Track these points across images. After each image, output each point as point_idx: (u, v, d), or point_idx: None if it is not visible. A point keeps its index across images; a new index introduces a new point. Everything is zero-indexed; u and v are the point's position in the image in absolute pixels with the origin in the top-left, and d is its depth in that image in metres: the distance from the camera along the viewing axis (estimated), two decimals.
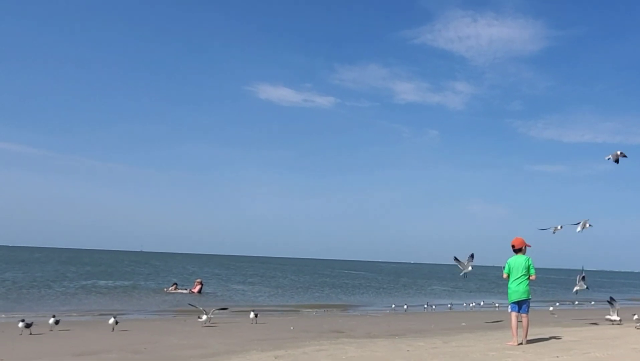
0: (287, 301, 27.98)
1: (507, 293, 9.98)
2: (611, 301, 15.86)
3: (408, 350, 9.44)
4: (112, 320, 13.65)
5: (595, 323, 15.72)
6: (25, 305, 21.66)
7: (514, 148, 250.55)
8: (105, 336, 12.71)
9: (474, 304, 26.82)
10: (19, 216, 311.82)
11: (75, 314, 18.91)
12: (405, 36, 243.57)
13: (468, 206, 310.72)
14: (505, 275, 9.93)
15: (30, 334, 12.49)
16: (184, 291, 29.99)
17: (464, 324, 16.87)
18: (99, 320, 15.25)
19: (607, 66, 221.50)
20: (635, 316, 14.88)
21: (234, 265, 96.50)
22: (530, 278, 9.69)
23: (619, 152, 13.54)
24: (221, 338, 12.41)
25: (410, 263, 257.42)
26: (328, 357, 8.76)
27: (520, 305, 9.69)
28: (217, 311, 16.71)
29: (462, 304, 27.03)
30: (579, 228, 14.52)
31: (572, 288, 16.90)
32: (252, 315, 16.27)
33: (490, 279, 69.31)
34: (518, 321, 9.71)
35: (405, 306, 23.88)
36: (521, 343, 9.53)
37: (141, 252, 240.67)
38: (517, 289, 9.70)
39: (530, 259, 9.75)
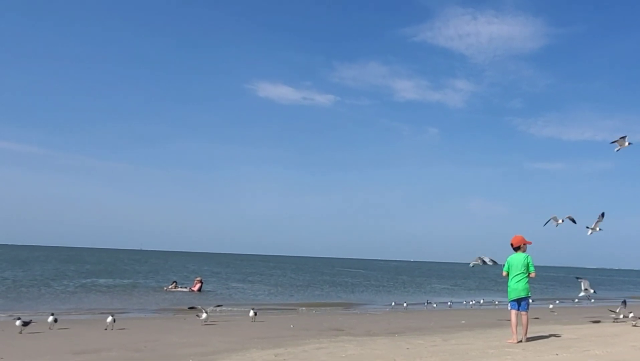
0: (287, 300, 28.00)
1: (506, 291, 9.99)
2: (625, 303, 15.93)
3: (408, 348, 9.44)
4: (109, 319, 13.66)
5: (597, 321, 15.71)
6: (25, 303, 21.66)
7: (514, 146, 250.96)
8: (105, 335, 12.72)
9: (473, 302, 26.85)
10: (19, 215, 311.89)
11: (75, 312, 18.93)
12: (405, 34, 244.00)
13: (468, 204, 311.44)
14: (504, 273, 9.94)
15: (21, 333, 12.48)
16: (184, 290, 30.00)
17: (463, 322, 16.89)
18: (99, 318, 15.26)
19: (607, 63, 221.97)
20: (632, 314, 14.90)
21: (233, 263, 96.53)
22: (530, 275, 9.70)
23: (626, 142, 13.32)
24: (221, 336, 12.42)
25: (410, 261, 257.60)
26: (328, 355, 8.77)
27: (520, 303, 9.70)
28: (214, 308, 16.74)
29: (462, 302, 27.06)
30: (589, 232, 14.40)
31: (572, 287, 16.89)
32: (251, 313, 16.28)
33: (490, 277, 69.37)
34: (517, 319, 9.72)
35: (404, 304, 23.90)
36: (521, 341, 9.53)
37: (141, 250, 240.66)
38: (516, 287, 9.71)
39: (529, 257, 9.76)
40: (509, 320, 10.02)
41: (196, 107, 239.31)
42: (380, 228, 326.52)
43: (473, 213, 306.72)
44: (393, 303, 24.72)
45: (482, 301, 27.39)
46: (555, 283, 60.55)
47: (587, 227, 14.52)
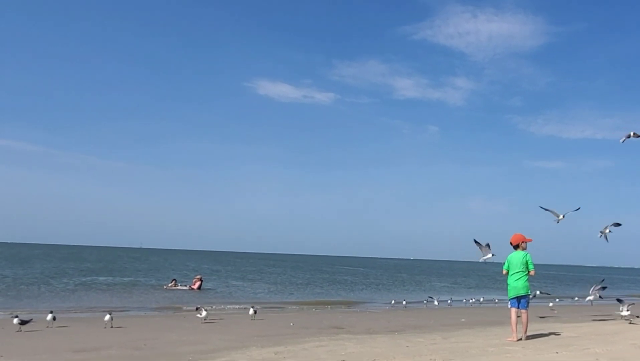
0: (287, 298, 28.01)
1: (506, 289, 9.99)
2: (620, 300, 15.95)
3: (407, 346, 9.45)
4: (107, 317, 13.68)
5: (603, 319, 15.69)
6: (25, 301, 21.67)
7: (514, 144, 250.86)
8: (105, 333, 12.73)
9: (473, 300, 26.86)
10: (19, 213, 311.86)
11: (74, 311, 18.93)
12: (404, 32, 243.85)
13: (468, 202, 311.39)
14: (504, 271, 9.94)
15: (20, 331, 12.47)
16: (184, 288, 30.02)
17: (463, 320, 16.90)
18: (98, 316, 15.25)
19: (607, 61, 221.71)
20: (628, 312, 14.93)
21: (233, 261, 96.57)
22: (530, 273, 9.70)
23: (632, 133, 13.15)
24: (221, 334, 12.42)
25: (409, 259, 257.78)
26: (328, 353, 8.76)
27: (520, 301, 9.70)
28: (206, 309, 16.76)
29: (462, 300, 27.07)
30: (600, 235, 14.28)
31: (572, 286, 16.91)
32: (251, 311, 16.29)
33: (490, 275, 69.44)
34: (517, 317, 9.72)
35: (404, 302, 23.93)
36: (520, 339, 9.53)
37: (141, 248, 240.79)
38: (515, 285, 9.71)
39: (528, 255, 9.75)
40: (510, 318, 10.02)
41: (196, 105, 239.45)
42: (380, 226, 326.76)
43: (473, 211, 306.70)
44: (393, 301, 24.74)
45: (482, 299, 27.41)
46: (555, 282, 60.56)
47: (601, 232, 14.35)
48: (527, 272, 9.69)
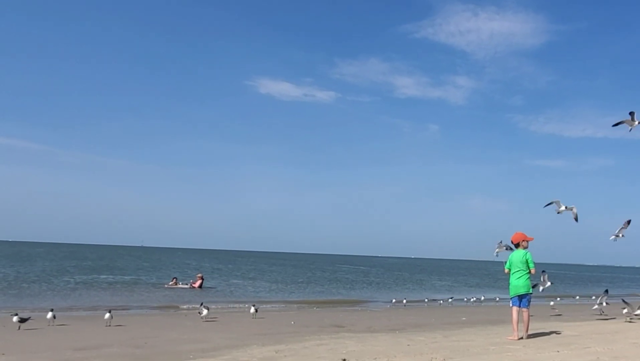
0: (288, 296, 28.02)
1: (507, 288, 10.00)
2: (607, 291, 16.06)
3: (408, 345, 9.45)
4: (107, 315, 13.71)
5: (604, 318, 15.67)
6: (26, 299, 21.68)
7: (515, 143, 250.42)
8: (105, 331, 12.74)
9: (474, 299, 26.86)
10: (21, 212, 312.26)
11: (75, 309, 18.94)
12: (405, 30, 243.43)
13: (468, 201, 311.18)
14: (506, 270, 9.95)
15: (19, 329, 12.48)
16: (185, 286, 30.03)
17: (464, 318, 16.90)
18: (99, 315, 15.27)
19: (608, 60, 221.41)
20: (625, 311, 14.98)
21: (234, 260, 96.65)
22: (530, 272, 9.70)
23: (636, 122, 12.52)
24: (222, 333, 12.43)
25: (410, 258, 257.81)
26: (329, 351, 8.77)
27: (521, 299, 9.70)
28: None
29: (463, 299, 27.07)
30: (612, 237, 14.07)
31: (573, 285, 16.89)
32: (252, 309, 16.30)
33: (491, 274, 69.46)
34: (519, 316, 9.72)
35: (404, 301, 23.95)
36: (522, 338, 9.53)
37: (142, 247, 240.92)
38: (516, 283, 9.72)
39: (528, 253, 9.76)
40: (511, 317, 10.01)
41: (197, 104, 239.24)
42: (381, 225, 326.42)
43: (473, 210, 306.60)
44: (394, 300, 24.74)
45: (482, 298, 27.40)
46: (555, 281, 60.52)
47: (615, 235, 14.12)
48: (528, 271, 9.69)
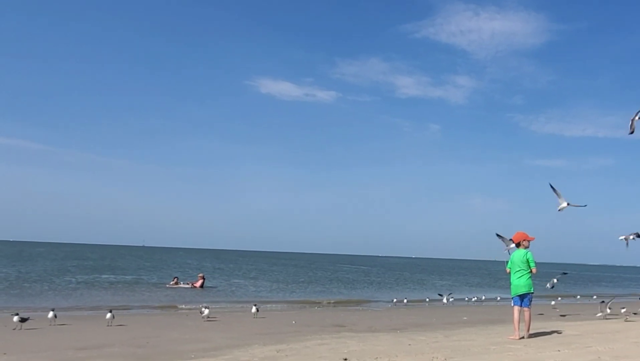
0: (289, 296, 28.03)
1: (508, 287, 10.01)
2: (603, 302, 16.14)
3: (410, 344, 9.46)
4: (109, 315, 13.73)
5: (606, 318, 15.67)
6: (27, 299, 21.71)
7: (515, 143, 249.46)
8: (107, 331, 12.76)
9: (475, 298, 26.85)
10: (21, 211, 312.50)
11: (77, 309, 18.97)
12: (406, 30, 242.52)
13: (469, 201, 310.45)
14: (507, 270, 9.97)
15: (20, 329, 12.49)
16: (186, 286, 30.05)
17: (465, 318, 16.91)
18: (101, 314, 15.30)
19: (610, 60, 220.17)
20: (624, 310, 15.06)
21: (235, 260, 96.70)
22: (532, 271, 9.71)
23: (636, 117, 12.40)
24: (223, 332, 12.45)
25: (411, 258, 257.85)
26: (330, 351, 8.78)
27: (522, 299, 9.71)
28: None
29: (464, 298, 27.06)
30: (621, 237, 13.97)
31: (574, 284, 16.88)
32: (253, 309, 16.32)
33: (492, 273, 69.46)
34: (520, 315, 9.73)
35: (405, 301, 23.96)
36: (523, 337, 9.54)
37: (143, 247, 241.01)
38: (518, 283, 9.74)
39: (529, 253, 9.77)
40: (512, 316, 10.02)
41: (198, 104, 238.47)
42: (381, 225, 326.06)
43: (474, 210, 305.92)
44: (395, 300, 24.75)
45: (483, 298, 27.40)
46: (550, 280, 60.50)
47: (625, 237, 14.02)
48: (529, 270, 9.71)
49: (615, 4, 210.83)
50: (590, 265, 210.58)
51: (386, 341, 10.14)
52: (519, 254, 9.80)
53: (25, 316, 12.94)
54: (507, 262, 9.99)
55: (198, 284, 30.22)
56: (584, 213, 13.72)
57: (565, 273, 15.76)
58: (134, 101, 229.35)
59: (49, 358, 9.12)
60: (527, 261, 9.68)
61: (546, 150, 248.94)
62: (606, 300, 16.85)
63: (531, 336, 9.74)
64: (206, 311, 15.00)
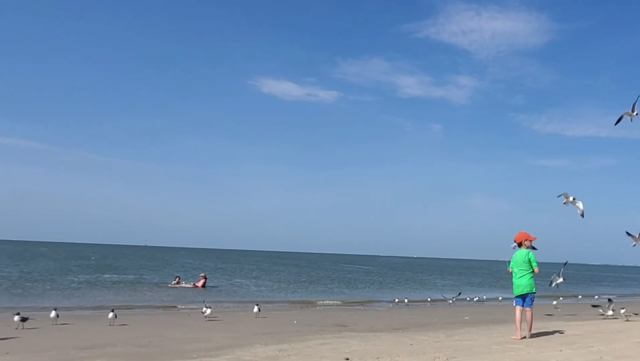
0: (290, 296, 28.06)
1: (509, 287, 10.01)
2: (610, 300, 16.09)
3: (411, 344, 9.47)
4: (111, 315, 13.76)
5: (607, 318, 15.64)
6: (30, 299, 21.77)
7: (517, 142, 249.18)
8: (109, 330, 12.79)
9: (477, 298, 26.84)
10: (24, 211, 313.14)
11: (79, 308, 19.00)
12: (408, 30, 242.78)
13: (470, 200, 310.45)
14: (509, 270, 9.97)
15: (23, 328, 12.52)
16: (188, 285, 30.09)
17: (467, 318, 16.91)
18: (103, 314, 15.33)
19: (611, 59, 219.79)
20: (623, 310, 15.09)
21: (237, 259, 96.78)
22: (534, 271, 9.71)
23: (635, 113, 12.14)
24: (225, 332, 12.46)
25: (412, 257, 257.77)
26: (332, 351, 8.79)
27: (524, 299, 9.71)
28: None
29: (465, 298, 27.06)
30: (634, 243, 13.79)
31: (576, 284, 16.83)
32: (255, 308, 16.33)
33: (493, 273, 69.42)
34: (522, 315, 9.73)
35: (405, 300, 23.98)
36: (525, 337, 9.54)
37: (145, 246, 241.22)
38: (519, 283, 9.73)
39: (530, 253, 9.76)
40: (514, 316, 10.02)
41: (200, 103, 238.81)
42: (383, 224, 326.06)
43: (475, 210, 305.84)
44: (396, 299, 24.76)
45: (485, 298, 27.40)
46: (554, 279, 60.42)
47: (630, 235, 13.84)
48: (531, 270, 9.70)
49: (617, 3, 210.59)
50: (592, 265, 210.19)
51: (388, 341, 10.15)
52: (520, 254, 9.80)
53: (26, 316, 12.98)
54: (509, 262, 10.00)
55: (200, 284, 30.25)
56: (586, 213, 13.64)
57: (565, 263, 15.60)
58: (136, 101, 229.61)
59: (52, 358, 9.15)
60: (529, 261, 9.68)
61: (548, 150, 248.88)
62: (614, 300, 16.82)
63: (533, 336, 9.74)
64: (208, 311, 15.02)
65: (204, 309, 15.20)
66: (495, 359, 7.49)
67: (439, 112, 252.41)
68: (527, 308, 9.68)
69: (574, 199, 12.84)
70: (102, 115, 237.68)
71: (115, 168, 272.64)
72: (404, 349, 8.75)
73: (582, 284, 52.96)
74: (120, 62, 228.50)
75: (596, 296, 30.24)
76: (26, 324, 12.70)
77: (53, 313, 13.61)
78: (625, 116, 11.98)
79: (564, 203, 13.06)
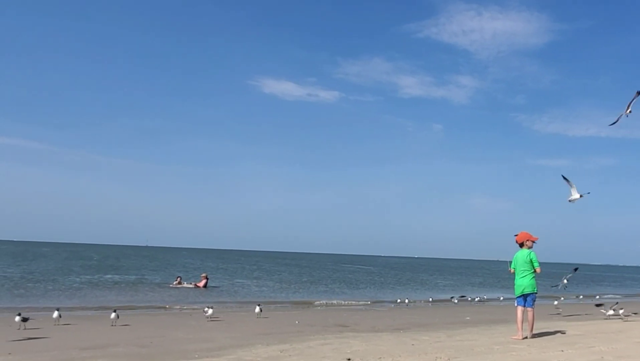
0: (292, 296, 28.08)
1: (511, 287, 10.03)
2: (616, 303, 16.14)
3: (413, 344, 9.48)
4: (113, 315, 13.79)
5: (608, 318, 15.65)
6: (31, 299, 21.80)
7: (518, 142, 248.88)
8: (111, 331, 12.82)
9: (478, 298, 26.85)
10: (25, 211, 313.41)
11: (81, 308, 19.03)
12: (409, 30, 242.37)
13: (471, 200, 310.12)
14: (511, 270, 9.98)
15: (25, 329, 12.54)
16: (189, 286, 30.12)
17: (468, 318, 16.92)
18: (105, 314, 15.36)
19: (612, 59, 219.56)
20: (622, 310, 15.12)
21: (238, 260, 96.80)
22: (536, 271, 9.72)
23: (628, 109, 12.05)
24: (227, 332, 12.49)
25: (413, 258, 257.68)
26: (333, 351, 8.81)
27: (525, 299, 9.72)
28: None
29: (467, 298, 27.06)
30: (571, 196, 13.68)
31: (578, 284, 16.82)
32: (257, 309, 16.35)
33: (494, 273, 69.37)
34: (523, 315, 9.74)
35: (406, 301, 23.98)
36: (526, 337, 9.56)
37: (146, 247, 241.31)
38: (521, 283, 9.75)
39: (532, 253, 9.78)
40: (516, 316, 10.04)
41: (201, 103, 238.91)
42: (384, 224, 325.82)
43: (476, 210, 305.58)
44: (398, 300, 24.77)
45: (486, 298, 27.39)
46: (559, 280, 60.44)
47: None
48: (532, 270, 9.71)
49: (617, 3, 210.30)
50: (593, 265, 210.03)
51: (389, 341, 10.17)
52: (522, 254, 9.82)
53: (27, 316, 13.00)
54: (510, 262, 10.01)
55: (201, 284, 30.28)
56: (585, 212, 13.53)
57: (576, 270, 15.49)
58: (136, 101, 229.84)
59: (54, 358, 9.17)
60: (531, 261, 9.69)
61: (549, 150, 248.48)
62: (618, 301, 16.86)
63: (534, 336, 9.76)
64: (210, 311, 15.04)
65: (206, 309, 15.22)
66: (496, 359, 7.50)
67: (440, 112, 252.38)
68: (529, 308, 9.70)
69: (581, 195, 12.45)
70: (102, 115, 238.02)
71: (115, 168, 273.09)
72: (406, 349, 8.77)
73: (582, 284, 52.87)
74: (120, 62, 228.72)
75: (597, 296, 30.22)
76: (28, 324, 12.73)
77: (55, 314, 13.65)
78: (622, 115, 11.95)
79: (570, 201, 12.64)
